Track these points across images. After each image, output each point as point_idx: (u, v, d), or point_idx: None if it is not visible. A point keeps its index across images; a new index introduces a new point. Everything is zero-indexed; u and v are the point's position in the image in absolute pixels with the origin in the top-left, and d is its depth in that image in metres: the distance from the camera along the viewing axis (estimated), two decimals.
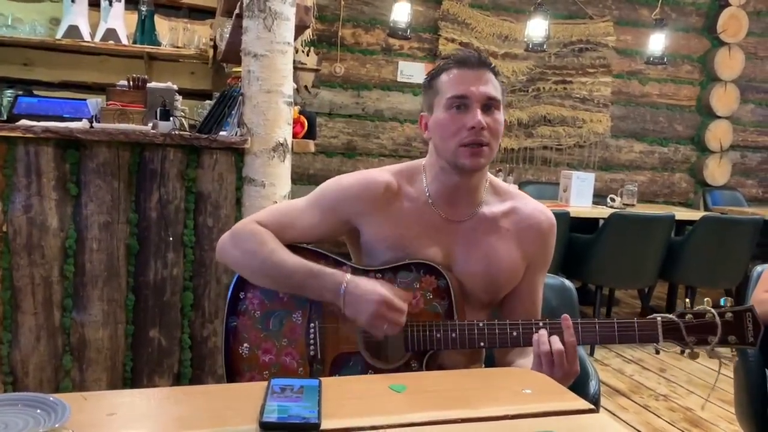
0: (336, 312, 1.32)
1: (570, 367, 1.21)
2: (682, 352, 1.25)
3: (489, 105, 1.31)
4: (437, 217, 1.38)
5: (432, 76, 1.37)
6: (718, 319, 1.21)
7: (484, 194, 1.41)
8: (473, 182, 1.37)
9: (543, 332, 1.23)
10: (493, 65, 1.35)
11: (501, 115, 1.33)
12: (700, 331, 1.22)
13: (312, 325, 1.34)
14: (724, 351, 1.22)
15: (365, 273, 1.35)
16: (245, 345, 1.37)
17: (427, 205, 1.39)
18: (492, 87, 1.32)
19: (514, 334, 1.27)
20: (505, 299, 1.42)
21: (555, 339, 1.22)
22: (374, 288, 1.26)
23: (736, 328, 1.21)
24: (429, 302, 1.32)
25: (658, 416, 3.00)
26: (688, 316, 1.23)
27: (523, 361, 1.35)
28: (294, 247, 1.37)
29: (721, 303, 1.23)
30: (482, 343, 1.28)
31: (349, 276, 1.29)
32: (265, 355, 1.35)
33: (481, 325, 1.28)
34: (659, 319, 1.23)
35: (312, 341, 1.34)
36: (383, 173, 1.41)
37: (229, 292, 1.39)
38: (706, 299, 1.25)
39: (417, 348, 1.30)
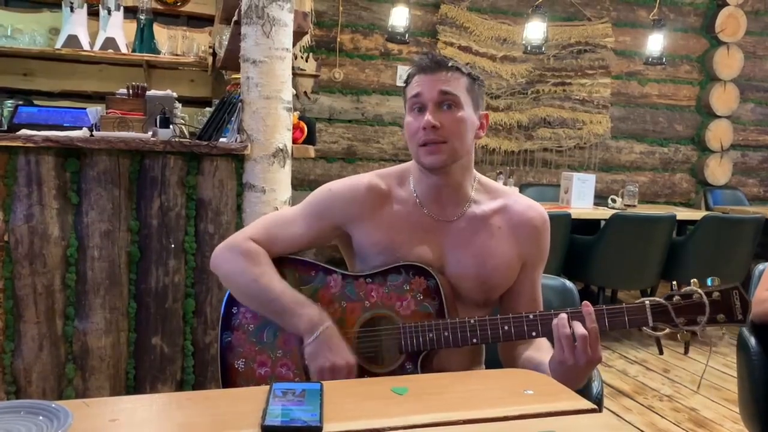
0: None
1: (593, 354, 1.20)
2: (686, 352, 1.25)
3: (445, 102, 1.31)
4: (427, 218, 1.38)
5: (405, 82, 1.40)
6: (705, 298, 1.22)
7: (473, 193, 1.40)
8: (454, 180, 1.37)
9: (563, 316, 1.22)
10: (453, 63, 1.34)
11: (463, 112, 1.32)
12: (688, 312, 1.22)
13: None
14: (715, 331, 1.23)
15: (355, 279, 1.35)
16: (241, 360, 1.37)
17: (416, 206, 1.39)
18: (448, 84, 1.32)
19: (506, 328, 1.27)
20: (505, 299, 1.42)
21: (577, 324, 1.20)
22: (347, 352, 1.28)
23: (724, 306, 1.22)
24: (420, 303, 1.32)
25: (663, 417, 2.99)
26: (676, 298, 1.23)
27: (532, 353, 1.35)
28: (285, 258, 1.39)
29: (708, 283, 1.24)
30: (475, 340, 1.28)
31: (328, 323, 1.30)
32: (261, 368, 1.36)
33: (472, 321, 1.28)
34: (647, 302, 1.24)
35: None
36: (372, 177, 1.41)
37: (222, 308, 1.40)
38: (693, 280, 1.25)
39: (411, 349, 1.30)
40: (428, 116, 1.30)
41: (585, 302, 1.24)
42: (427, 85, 1.32)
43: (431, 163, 1.32)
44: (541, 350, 1.35)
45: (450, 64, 1.34)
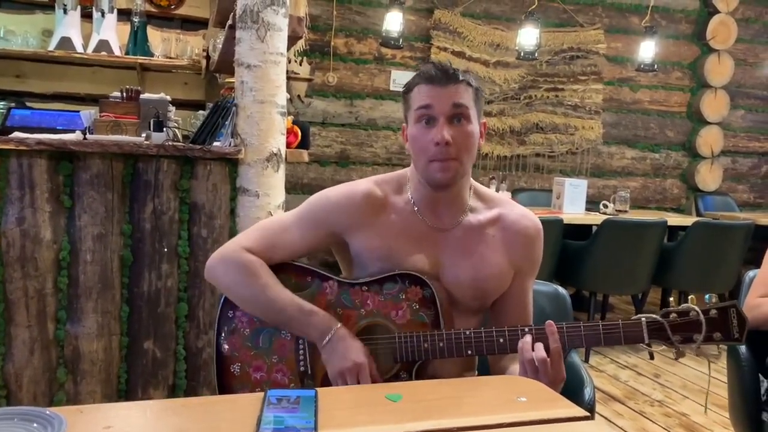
0: None
1: (556, 374, 1.21)
2: (677, 358, 1.26)
3: (456, 115, 1.30)
4: (424, 226, 1.38)
5: (406, 88, 1.37)
6: (702, 316, 1.21)
7: (470, 201, 1.41)
8: (454, 191, 1.37)
9: (528, 338, 1.24)
10: (463, 77, 1.32)
11: (472, 126, 1.32)
12: (685, 330, 1.22)
13: (301, 341, 1.35)
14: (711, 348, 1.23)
15: (351, 286, 1.35)
16: (236, 364, 1.37)
17: (413, 214, 1.39)
18: (459, 96, 1.30)
19: (501, 341, 1.28)
20: (496, 306, 1.42)
21: (539, 346, 1.22)
22: (358, 351, 1.28)
23: (721, 324, 1.21)
24: (415, 313, 1.33)
25: (654, 422, 3.01)
26: (673, 315, 1.23)
27: (516, 366, 1.35)
28: (281, 264, 1.38)
29: (706, 299, 1.24)
30: (469, 351, 1.29)
31: (339, 325, 1.31)
32: (256, 373, 1.36)
33: (467, 333, 1.29)
34: (644, 319, 1.24)
35: (302, 357, 1.35)
36: (368, 184, 1.41)
37: (218, 312, 1.40)
38: (690, 297, 1.25)
39: (406, 359, 1.31)
40: (444, 132, 1.28)
41: (548, 322, 1.25)
42: (438, 97, 1.30)
43: (442, 180, 1.32)
44: None
45: (461, 78, 1.32)
